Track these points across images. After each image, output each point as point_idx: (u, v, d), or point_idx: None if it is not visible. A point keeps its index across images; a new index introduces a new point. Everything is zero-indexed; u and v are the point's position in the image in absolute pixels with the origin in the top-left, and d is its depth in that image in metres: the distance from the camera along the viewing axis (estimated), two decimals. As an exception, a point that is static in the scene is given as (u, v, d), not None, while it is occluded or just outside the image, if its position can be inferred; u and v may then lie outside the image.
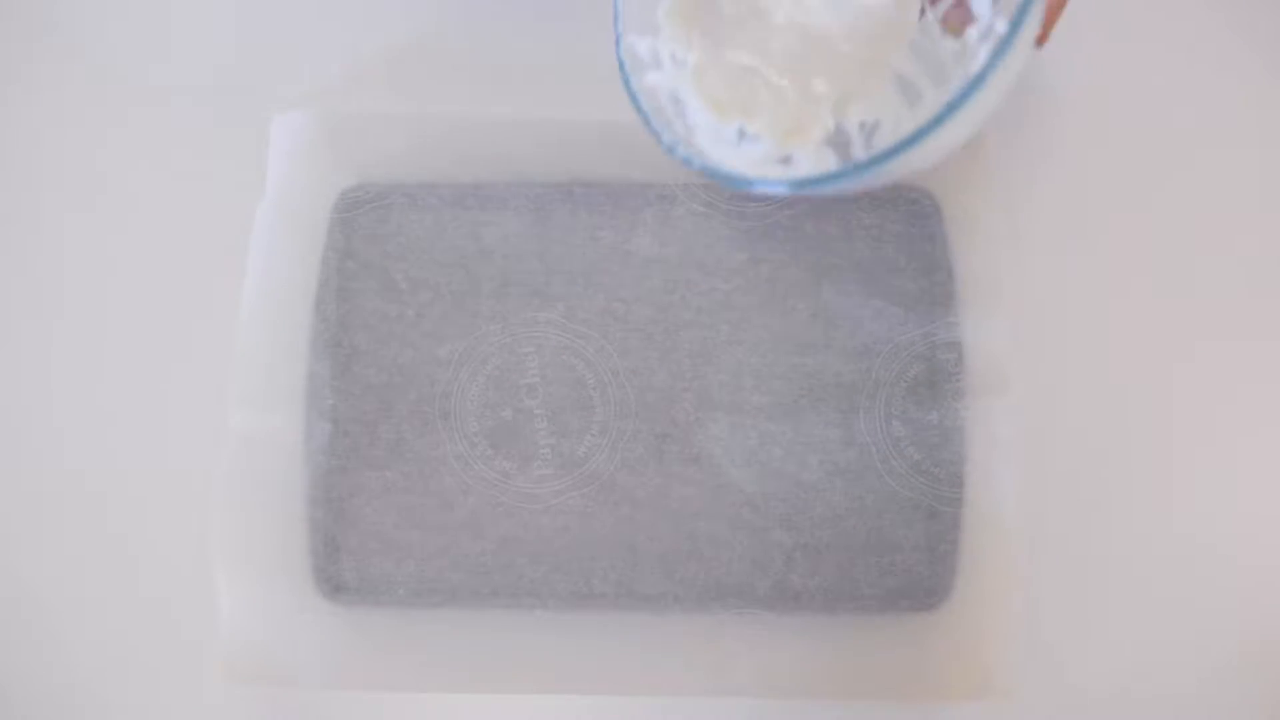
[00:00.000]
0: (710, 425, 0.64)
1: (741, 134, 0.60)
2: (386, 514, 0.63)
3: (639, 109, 0.58)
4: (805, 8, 0.59)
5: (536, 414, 0.64)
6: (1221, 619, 0.62)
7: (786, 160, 0.59)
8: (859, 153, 0.59)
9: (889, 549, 0.62)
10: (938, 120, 0.49)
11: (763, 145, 0.59)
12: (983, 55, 0.56)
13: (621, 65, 0.58)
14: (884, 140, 0.59)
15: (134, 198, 0.68)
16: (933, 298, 0.65)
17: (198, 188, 0.68)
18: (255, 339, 0.63)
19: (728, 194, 0.66)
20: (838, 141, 0.59)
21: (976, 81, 0.49)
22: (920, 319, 0.64)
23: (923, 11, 0.59)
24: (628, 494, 0.63)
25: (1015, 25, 0.48)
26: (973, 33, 0.57)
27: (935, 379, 0.63)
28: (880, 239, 0.65)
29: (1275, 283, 0.66)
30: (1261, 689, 0.62)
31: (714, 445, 0.63)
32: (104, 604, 0.63)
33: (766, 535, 0.62)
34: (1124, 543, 0.63)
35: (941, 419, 0.63)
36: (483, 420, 0.64)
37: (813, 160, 0.58)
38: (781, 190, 0.54)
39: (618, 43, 0.58)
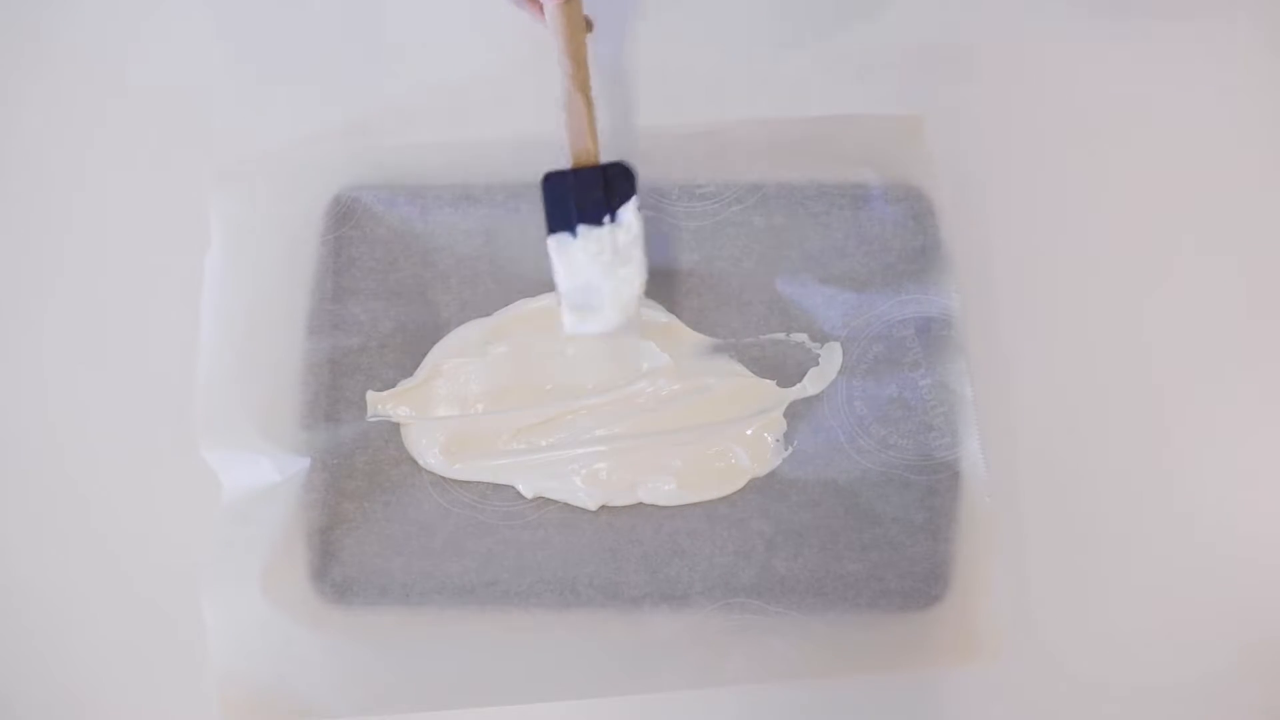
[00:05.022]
0: None
1: None
2: (367, 543, 0.63)
3: None
4: None
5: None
6: (1215, 598, 0.63)
7: None
8: None
9: (868, 524, 0.63)
10: None
11: None
12: None
13: None
14: None
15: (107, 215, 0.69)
16: (884, 278, 0.66)
17: (158, 237, 0.69)
18: (220, 383, 0.63)
19: (675, 195, 0.67)
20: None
21: None
22: (874, 300, 0.65)
23: None
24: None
25: None
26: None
27: (893, 355, 0.64)
28: (828, 225, 0.66)
29: (1258, 264, 0.68)
30: (1256, 670, 0.62)
31: None
32: (106, 628, 0.64)
33: (745, 525, 0.63)
34: (1116, 520, 0.64)
35: (901, 392, 0.64)
36: None
37: None
38: None
39: None
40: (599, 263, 0.59)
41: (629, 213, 0.59)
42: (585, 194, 0.59)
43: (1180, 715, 0.62)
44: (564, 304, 0.60)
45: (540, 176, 0.60)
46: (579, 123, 0.59)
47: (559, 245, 0.59)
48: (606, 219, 0.59)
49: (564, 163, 0.61)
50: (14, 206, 0.70)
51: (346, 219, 0.66)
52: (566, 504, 0.63)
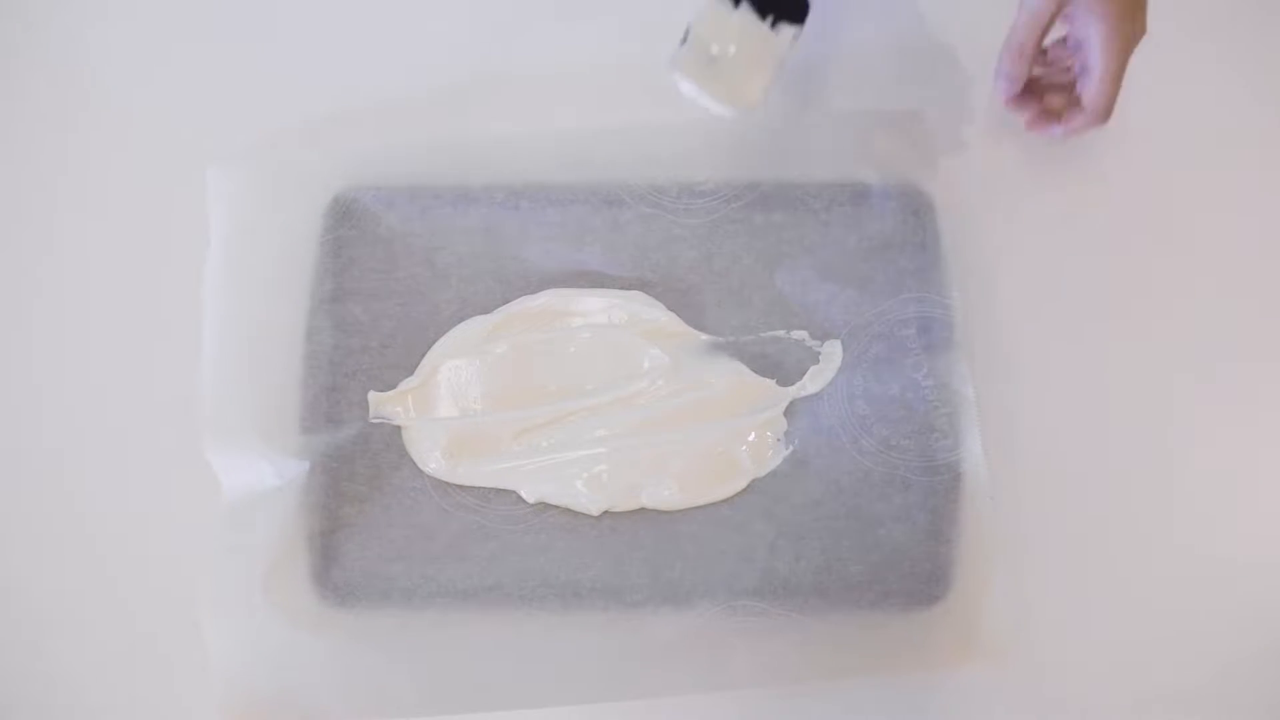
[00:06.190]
0: None
1: None
2: (369, 547, 0.63)
3: None
4: None
5: (509, 436, 0.65)
6: (1217, 599, 0.63)
7: None
8: None
9: (870, 525, 0.62)
10: None
11: None
12: None
13: None
14: None
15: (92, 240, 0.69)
16: (885, 275, 0.65)
17: (156, 244, 0.69)
18: (221, 388, 0.63)
19: (674, 193, 0.66)
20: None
21: None
22: (875, 298, 0.65)
23: None
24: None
25: None
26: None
27: (894, 355, 0.64)
28: (828, 223, 0.66)
29: (1261, 263, 0.67)
30: (1257, 672, 0.62)
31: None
32: (106, 635, 0.64)
33: (747, 528, 0.63)
34: (1117, 522, 0.64)
35: (903, 392, 0.64)
36: None
37: None
38: None
39: None
40: (743, 46, 0.59)
41: (790, 34, 0.59)
42: None
43: (1181, 716, 0.62)
44: (690, 49, 0.58)
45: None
46: None
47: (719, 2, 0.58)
48: (769, 19, 0.59)
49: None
50: (13, 208, 0.70)
51: (346, 219, 0.66)
52: (568, 509, 0.63)
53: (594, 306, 0.66)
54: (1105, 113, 0.60)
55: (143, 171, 0.70)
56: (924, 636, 0.61)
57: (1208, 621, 0.63)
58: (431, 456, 0.64)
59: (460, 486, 0.64)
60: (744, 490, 0.63)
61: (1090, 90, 0.59)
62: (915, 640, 0.61)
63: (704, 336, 0.65)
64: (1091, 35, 0.59)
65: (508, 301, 0.66)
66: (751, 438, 0.64)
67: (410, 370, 0.65)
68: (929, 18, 0.70)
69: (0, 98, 0.71)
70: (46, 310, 0.68)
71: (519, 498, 0.63)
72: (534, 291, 0.66)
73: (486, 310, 0.66)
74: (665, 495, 0.63)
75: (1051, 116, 0.63)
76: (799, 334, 0.65)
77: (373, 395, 0.64)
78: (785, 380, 0.65)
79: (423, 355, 0.65)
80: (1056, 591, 0.63)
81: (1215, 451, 0.65)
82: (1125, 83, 0.60)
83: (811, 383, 0.64)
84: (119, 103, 0.71)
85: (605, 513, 0.63)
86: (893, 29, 0.70)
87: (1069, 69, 0.63)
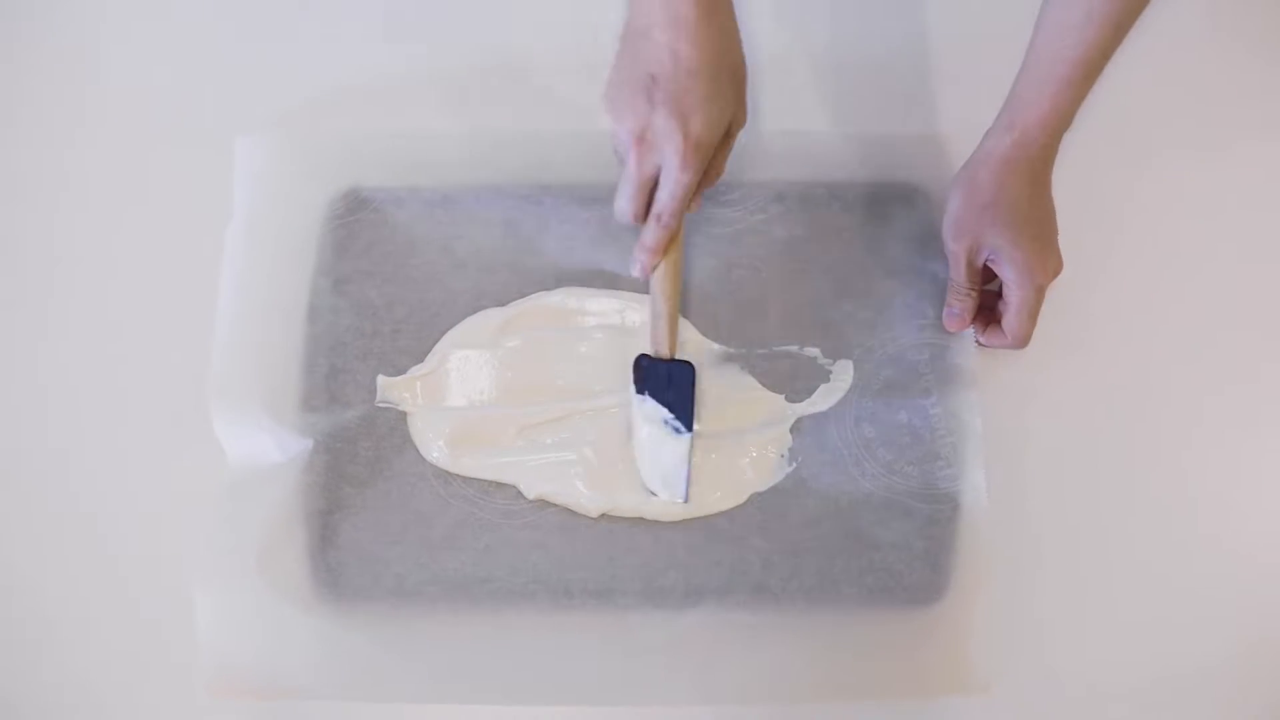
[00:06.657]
0: None
1: None
2: (365, 529, 0.63)
3: None
4: None
5: (514, 429, 0.65)
6: (1212, 616, 0.63)
7: None
8: None
9: (866, 548, 0.62)
10: None
11: None
12: None
13: None
14: None
15: (112, 218, 0.69)
16: (903, 300, 0.65)
17: (166, 211, 0.69)
18: (230, 357, 0.64)
19: (699, 199, 0.66)
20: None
21: None
22: (890, 322, 0.65)
23: None
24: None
25: None
26: None
27: (905, 380, 0.64)
28: (850, 243, 0.66)
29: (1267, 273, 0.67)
30: (1250, 689, 0.62)
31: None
32: (100, 624, 0.63)
33: (743, 541, 0.62)
34: (1118, 563, 0.63)
35: (910, 418, 0.63)
36: None
37: None
38: None
39: None
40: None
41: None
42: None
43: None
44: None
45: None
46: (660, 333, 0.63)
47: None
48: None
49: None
50: (34, 175, 0.70)
51: (368, 202, 0.67)
52: (567, 508, 0.63)
53: (609, 307, 0.66)
54: (1019, 341, 0.63)
55: (165, 148, 0.70)
56: (914, 664, 0.60)
57: (1209, 665, 0.62)
58: (435, 445, 0.64)
59: (461, 477, 0.64)
60: (743, 504, 0.63)
61: (1007, 320, 0.62)
62: (904, 667, 0.60)
63: (716, 346, 0.65)
64: (1005, 275, 0.62)
65: (523, 295, 0.66)
66: (755, 452, 0.64)
67: (420, 357, 0.65)
68: (964, 48, 0.70)
69: (27, 78, 0.72)
70: (57, 287, 0.68)
71: (518, 492, 0.63)
72: (550, 288, 0.66)
73: (501, 302, 0.66)
74: (665, 501, 0.63)
75: (981, 320, 0.64)
76: (812, 351, 0.65)
77: (381, 379, 0.64)
78: (794, 396, 0.64)
79: (434, 343, 0.65)
80: (1050, 626, 0.62)
81: (1224, 494, 0.65)
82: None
83: (820, 400, 0.64)
84: (150, 80, 0.71)
85: (603, 515, 0.63)
86: (930, 58, 0.71)
87: None
